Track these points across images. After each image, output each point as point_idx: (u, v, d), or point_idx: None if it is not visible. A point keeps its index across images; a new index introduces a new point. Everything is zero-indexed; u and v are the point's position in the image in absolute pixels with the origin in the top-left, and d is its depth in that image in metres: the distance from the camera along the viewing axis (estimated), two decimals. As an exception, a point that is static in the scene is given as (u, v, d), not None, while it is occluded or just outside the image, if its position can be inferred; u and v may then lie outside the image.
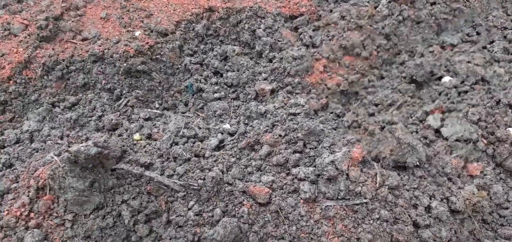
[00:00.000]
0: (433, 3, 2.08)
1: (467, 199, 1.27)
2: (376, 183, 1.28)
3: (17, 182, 1.20)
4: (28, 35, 1.70)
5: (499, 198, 1.31)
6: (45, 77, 1.64)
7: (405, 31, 1.97)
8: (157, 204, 1.19)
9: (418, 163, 1.33)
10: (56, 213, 1.14)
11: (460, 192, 1.29)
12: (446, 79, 1.77)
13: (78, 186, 1.12)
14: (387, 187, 1.28)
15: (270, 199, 1.23)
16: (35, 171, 1.19)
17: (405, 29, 1.98)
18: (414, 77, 1.76)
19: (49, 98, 1.61)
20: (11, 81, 1.58)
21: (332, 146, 1.35)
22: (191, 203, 1.20)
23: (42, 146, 1.39)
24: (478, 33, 2.11)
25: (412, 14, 2.00)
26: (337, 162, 1.26)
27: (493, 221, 1.30)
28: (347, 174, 1.27)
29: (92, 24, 1.85)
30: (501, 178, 1.36)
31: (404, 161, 1.33)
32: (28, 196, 1.15)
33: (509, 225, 1.29)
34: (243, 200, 1.21)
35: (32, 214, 1.13)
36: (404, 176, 1.31)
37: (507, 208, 1.31)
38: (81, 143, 1.31)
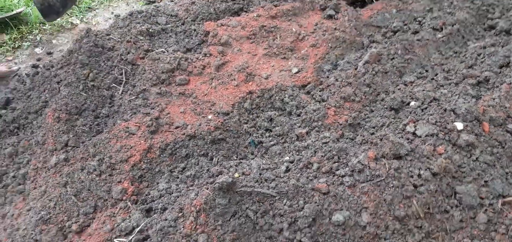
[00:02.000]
0: (393, 58, 3.14)
1: (440, 165, 2.14)
2: (386, 168, 2.14)
3: (182, 211, 1.99)
4: (142, 132, 2.58)
5: (458, 162, 2.18)
6: (161, 155, 2.48)
7: (379, 80, 2.97)
8: (264, 206, 2.00)
9: (407, 152, 2.21)
10: (210, 223, 1.93)
11: (435, 163, 2.17)
12: (412, 103, 2.74)
13: (222, 203, 1.93)
14: (393, 169, 2.14)
15: (329, 190, 2.06)
16: (192, 202, 1.99)
17: (378, 78, 2.98)
18: (392, 106, 2.72)
19: (167, 167, 2.44)
20: (141, 162, 2.42)
21: (355, 154, 2.23)
22: (285, 201, 2.01)
23: (179, 194, 2.19)
24: (426, 71, 3.12)
25: (381, 68, 3.02)
26: (361, 161, 2.13)
27: (458, 176, 2.17)
28: (369, 166, 2.13)
29: (177, 118, 2.74)
30: (456, 151, 2.24)
31: (398, 153, 2.21)
32: (193, 217, 1.94)
33: (467, 177, 2.16)
34: (313, 193, 2.05)
35: (197, 226, 1.91)
36: (401, 161, 2.18)
37: (464, 167, 2.19)
38: (207, 185, 2.13)
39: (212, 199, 1.91)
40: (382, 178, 1.90)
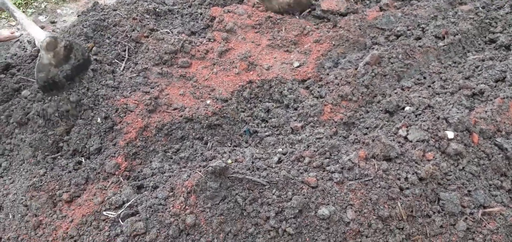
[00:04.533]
0: (393, 62, 3.17)
1: (427, 171, 2.19)
2: (375, 168, 2.20)
3: (173, 191, 2.05)
4: (140, 110, 2.62)
5: (445, 169, 2.24)
6: (157, 135, 2.53)
7: (377, 82, 3.01)
8: (254, 194, 2.06)
9: (396, 155, 2.27)
10: (199, 204, 1.99)
11: (423, 168, 2.23)
12: (407, 108, 2.78)
13: (213, 186, 1.99)
14: (381, 170, 2.20)
15: (317, 184, 2.12)
16: (183, 183, 2.05)
17: (377, 80, 3.02)
18: (387, 109, 2.77)
19: (161, 147, 2.49)
20: (137, 139, 2.47)
21: (347, 152, 2.28)
22: (274, 190, 2.07)
23: (171, 174, 2.25)
24: (424, 78, 3.16)
25: (380, 71, 3.06)
26: (352, 159, 2.19)
27: (443, 183, 2.23)
28: (358, 165, 2.18)
29: (176, 99, 2.79)
30: (445, 159, 2.30)
31: (388, 155, 2.26)
32: (183, 197, 2.00)
33: (452, 185, 2.23)
34: (302, 186, 2.11)
35: (187, 207, 1.97)
36: (390, 163, 2.24)
37: (450, 175, 2.25)
38: (200, 168, 2.19)
39: (204, 181, 1.97)
40: (370, 178, 1.96)
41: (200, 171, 2.01)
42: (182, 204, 1.95)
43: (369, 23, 3.59)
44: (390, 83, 2.98)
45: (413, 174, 2.00)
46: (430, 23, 3.62)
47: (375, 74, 2.94)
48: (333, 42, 3.34)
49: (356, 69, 3.00)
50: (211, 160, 2.30)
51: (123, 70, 2.92)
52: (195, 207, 1.94)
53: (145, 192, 2.11)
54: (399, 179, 1.97)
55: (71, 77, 2.43)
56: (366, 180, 1.95)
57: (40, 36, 2.31)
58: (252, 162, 2.22)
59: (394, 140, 2.34)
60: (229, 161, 2.24)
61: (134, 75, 2.88)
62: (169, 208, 1.95)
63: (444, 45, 3.33)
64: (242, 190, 2.01)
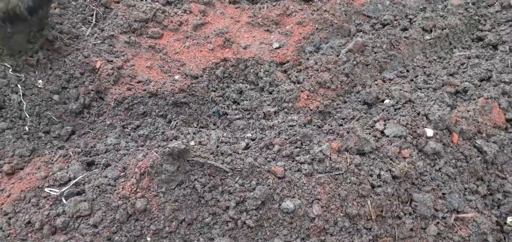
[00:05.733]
0: (376, 52, 3.02)
1: (401, 169, 2.07)
2: (347, 162, 2.06)
3: (124, 171, 1.86)
4: (102, 78, 2.39)
5: (420, 169, 2.13)
6: (116, 108, 2.31)
7: (358, 71, 2.86)
8: (215, 180, 1.89)
9: (371, 150, 2.13)
10: (153, 188, 1.80)
11: (398, 166, 2.10)
12: (387, 101, 2.65)
13: (169, 169, 1.80)
14: (353, 164, 2.06)
15: (284, 175, 1.96)
16: (137, 163, 1.86)
17: (358, 69, 2.87)
18: (366, 101, 2.63)
19: (120, 122, 2.28)
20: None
21: (319, 143, 2.13)
22: (237, 178, 1.90)
23: (127, 152, 2.05)
24: (407, 71, 3.04)
25: (363, 60, 2.91)
26: (324, 151, 2.04)
27: (418, 183, 2.11)
28: (330, 157, 2.04)
29: (141, 72, 2.56)
30: (421, 158, 2.18)
31: (363, 149, 2.13)
32: (135, 178, 1.81)
33: (427, 186, 2.11)
34: (268, 176, 1.94)
35: (138, 190, 1.79)
36: (363, 158, 2.11)
37: (425, 175, 2.13)
38: (158, 148, 2.00)
39: (160, 163, 1.78)
40: (341, 172, 1.82)
41: (157, 152, 1.81)
42: (133, 186, 1.76)
43: (356, 9, 3.42)
44: (372, 74, 2.84)
45: (386, 171, 1.87)
46: (418, 14, 3.48)
47: (357, 63, 2.79)
48: (316, 26, 3.16)
49: (337, 55, 2.85)
50: (172, 140, 2.11)
51: (88, 36, 2.66)
52: (147, 191, 1.75)
53: (95, 170, 1.91)
54: (371, 175, 1.84)
55: (33, 9, 2.15)
56: (337, 174, 1.81)
57: None
58: (217, 146, 2.04)
59: (370, 133, 2.21)
60: (192, 143, 2.05)
61: (99, 42, 2.63)
62: (119, 189, 1.76)
63: (430, 39, 3.21)
64: (202, 175, 1.83)
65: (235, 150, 2.05)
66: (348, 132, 2.11)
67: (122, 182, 1.80)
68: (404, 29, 3.24)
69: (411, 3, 3.57)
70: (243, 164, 1.89)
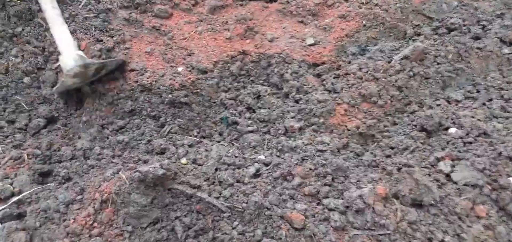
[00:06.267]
0: (439, 63, 2.35)
1: (476, 236, 1.44)
2: (397, 217, 1.45)
3: (82, 194, 1.35)
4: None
5: (502, 238, 1.48)
6: (98, 100, 1.81)
7: (415, 85, 2.20)
8: (205, 222, 1.34)
9: (432, 202, 1.51)
10: (116, 224, 1.28)
11: (470, 230, 1.46)
12: (453, 130, 1.99)
13: (141, 202, 1.27)
14: (406, 221, 1.46)
15: (305, 225, 1.38)
16: (100, 186, 1.34)
17: (415, 83, 2.21)
18: (425, 126, 1.98)
19: (100, 119, 1.78)
20: (67, 102, 1.76)
21: (358, 183, 1.52)
22: (235, 223, 1.35)
23: (97, 163, 1.54)
24: (478, 91, 2.35)
25: (421, 71, 2.24)
26: (365, 196, 1.44)
27: (498, 259, 1.46)
28: (373, 207, 1.44)
29: (138, 57, 2.05)
30: (503, 220, 1.54)
31: (421, 200, 1.51)
32: (93, 207, 1.29)
33: (512, 264, 1.46)
34: (281, 224, 1.37)
35: (95, 224, 1.27)
36: (421, 213, 1.49)
37: (509, 248, 1.48)
38: (136, 163, 1.47)
39: (128, 191, 1.25)
40: (388, 232, 1.22)
41: (129, 173, 1.28)
42: (89, 218, 1.25)
43: (414, 7, 2.75)
44: (432, 90, 2.19)
45: (454, 236, 1.40)
46: (494, 21, 2.75)
47: (414, 74, 2.16)
48: (363, 22, 2.53)
49: (389, 62, 2.22)
50: (159, 153, 1.58)
51: (80, 8, 2.18)
52: (107, 227, 1.24)
53: (50, 185, 1.41)
54: (430, 240, 1.18)
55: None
56: (381, 234, 1.21)
57: (67, 63, 1.64)
58: (216, 169, 1.49)
59: (430, 176, 1.58)
60: (184, 160, 1.52)
61: (92, 15, 2.14)
62: (69, 220, 1.25)
63: (509, 53, 2.49)
64: (187, 213, 1.30)
65: (240, 178, 1.49)
66: (399, 170, 1.49)
67: (76, 210, 1.29)
68: (476, 38, 2.55)
69: (485, 6, 2.84)
70: (247, 202, 1.34)
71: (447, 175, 1.62)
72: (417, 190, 1.48)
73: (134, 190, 1.25)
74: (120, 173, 1.33)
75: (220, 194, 1.39)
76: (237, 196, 1.40)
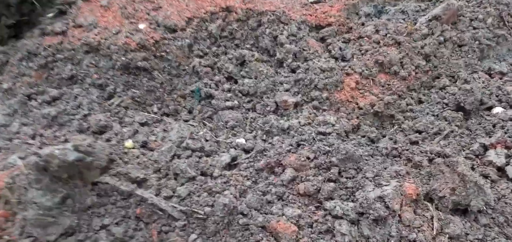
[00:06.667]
0: (476, 27, 1.87)
1: (548, 260, 0.99)
2: (433, 229, 0.99)
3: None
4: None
5: None
6: (27, 62, 1.37)
7: (446, 53, 1.73)
8: (147, 233, 0.89)
9: (482, 207, 1.05)
10: (9, 235, 0.84)
11: (537, 250, 1.01)
12: (499, 110, 1.52)
13: (43, 202, 0.83)
14: (447, 235, 1.00)
15: (297, 240, 0.93)
16: (-8, 176, 0.89)
17: (446, 51, 1.74)
18: (461, 104, 1.51)
19: (27, 87, 1.34)
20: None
21: (376, 177, 1.07)
22: (193, 236, 0.91)
23: (6, 144, 1.10)
24: (523, 64, 1.89)
25: (454, 36, 1.77)
26: (388, 199, 0.98)
27: None
28: (399, 214, 0.98)
29: (89, 11, 1.60)
30: None
31: (466, 204, 1.05)
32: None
33: None
34: (262, 239, 0.92)
35: (-24, 234, 0.84)
36: (466, 221, 1.03)
37: None
38: (58, 145, 1.02)
39: (24, 186, 0.81)
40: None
41: (36, 156, 0.84)
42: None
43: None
44: (468, 61, 1.74)
45: None
46: (539, -18, 2.26)
47: (445, 40, 1.71)
48: (380, -22, 2.05)
49: (414, 24, 1.74)
50: (98, 132, 1.14)
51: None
52: (-5, 240, 0.81)
53: None
54: None
55: None
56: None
57: None
58: (173, 156, 1.05)
59: (474, 169, 1.14)
60: (128, 143, 1.07)
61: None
62: None
63: (560, 20, 2.01)
64: (120, 219, 0.86)
65: (207, 169, 1.06)
66: (431, 161, 1.06)
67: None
68: (521, -1, 2.06)
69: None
70: (212, 205, 0.90)
71: (500, 169, 1.17)
72: (463, 190, 1.01)
73: (32, 183, 0.81)
74: (15, 157, 0.88)
75: (174, 193, 0.96)
76: (199, 196, 0.97)
